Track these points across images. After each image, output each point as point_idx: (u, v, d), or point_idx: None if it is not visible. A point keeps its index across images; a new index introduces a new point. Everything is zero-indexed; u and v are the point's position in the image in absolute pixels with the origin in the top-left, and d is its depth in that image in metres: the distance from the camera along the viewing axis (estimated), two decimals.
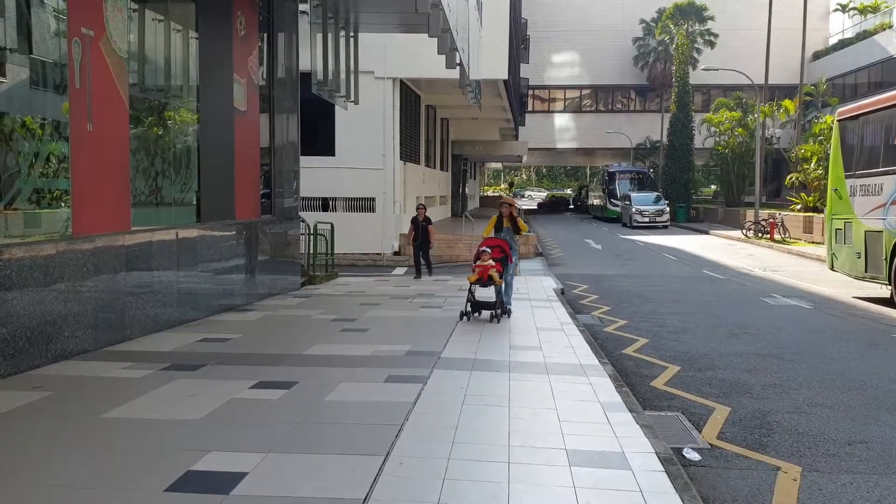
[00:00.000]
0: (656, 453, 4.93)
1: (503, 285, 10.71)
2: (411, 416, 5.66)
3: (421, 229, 16.71)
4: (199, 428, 5.34)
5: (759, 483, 4.94)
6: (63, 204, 7.68)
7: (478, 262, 10.65)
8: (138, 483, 4.29)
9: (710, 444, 5.71)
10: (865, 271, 13.96)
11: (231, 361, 7.65)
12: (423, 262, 17.13)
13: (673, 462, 4.82)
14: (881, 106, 14.01)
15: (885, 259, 13.11)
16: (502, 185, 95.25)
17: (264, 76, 12.90)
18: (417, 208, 17.14)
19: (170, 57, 10.15)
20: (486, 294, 10.85)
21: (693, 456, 5.42)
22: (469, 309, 10.52)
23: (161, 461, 4.62)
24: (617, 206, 44.69)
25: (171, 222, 9.94)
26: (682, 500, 4.18)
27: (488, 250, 10.64)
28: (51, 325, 7.28)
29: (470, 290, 10.56)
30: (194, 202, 10.69)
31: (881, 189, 13.39)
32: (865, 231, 13.87)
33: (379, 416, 5.67)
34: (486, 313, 10.69)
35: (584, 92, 57.20)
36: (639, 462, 4.76)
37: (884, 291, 13.78)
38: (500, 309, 10.53)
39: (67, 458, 4.71)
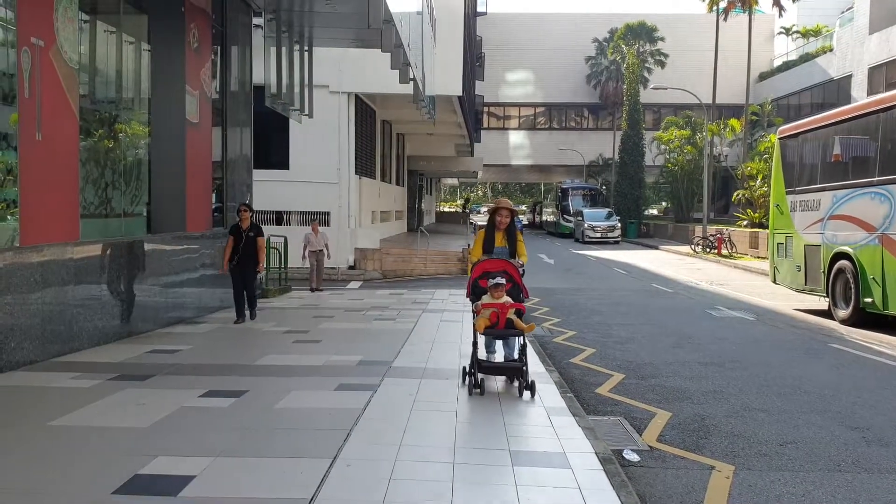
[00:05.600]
0: (596, 453, 5.12)
1: (524, 337, 7.14)
2: (360, 421, 5.77)
3: (245, 242, 11.03)
4: (148, 434, 5.37)
5: (693, 481, 5.15)
6: (10, 216, 7.62)
7: (484, 301, 7.06)
8: (86, 486, 4.32)
9: (650, 447, 5.92)
10: (805, 284, 14.45)
11: (180, 372, 7.66)
12: (246, 295, 11.24)
13: (612, 462, 5.01)
14: (818, 125, 14.58)
15: (823, 272, 13.61)
16: (458, 202, 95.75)
17: (217, 89, 12.92)
18: (239, 211, 11.29)
19: (121, 68, 10.14)
20: (502, 350, 7.50)
21: (632, 457, 5.61)
22: (476, 374, 6.87)
23: (109, 466, 4.65)
24: (570, 221, 45.33)
25: (121, 233, 9.89)
26: (619, 497, 4.36)
27: (502, 280, 7.03)
28: None
29: (475, 342, 7.01)
30: (145, 214, 10.65)
31: (819, 205, 13.92)
32: (805, 245, 14.38)
33: (328, 421, 5.77)
34: (498, 381, 7.31)
35: (538, 110, 58.03)
36: (579, 462, 4.93)
37: (822, 303, 14.27)
38: (526, 374, 6.85)
39: (14, 464, 4.71)
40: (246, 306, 11.30)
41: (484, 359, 7.18)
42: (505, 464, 4.85)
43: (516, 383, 6.98)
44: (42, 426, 5.52)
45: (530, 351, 8.90)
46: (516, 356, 7.13)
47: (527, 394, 6.76)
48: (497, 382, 7.24)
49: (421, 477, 4.57)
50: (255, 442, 5.24)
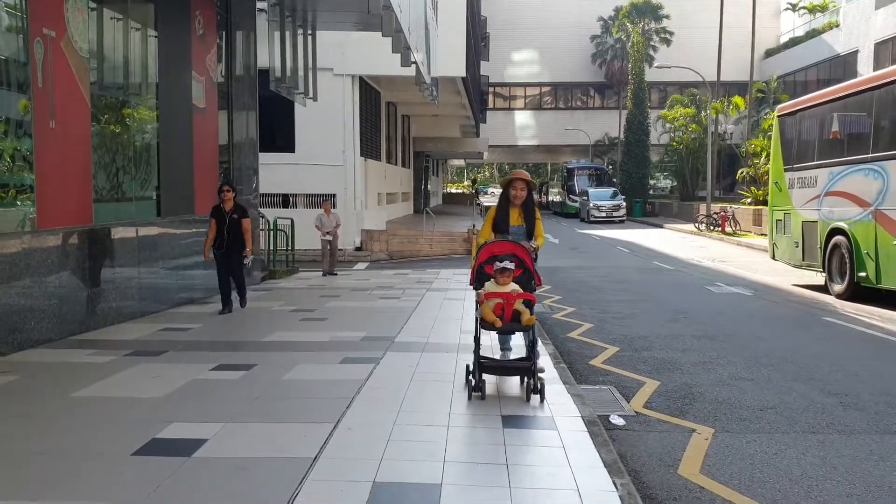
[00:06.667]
0: (582, 417, 5.45)
1: (532, 329, 6.01)
2: (363, 390, 6.12)
3: (229, 225, 10.33)
4: (163, 403, 5.73)
5: (674, 442, 5.48)
6: (27, 201, 7.95)
7: (488, 289, 6.06)
8: (107, 449, 4.69)
9: (636, 412, 6.25)
10: (803, 259, 14.71)
11: (192, 348, 8.02)
12: (234, 283, 10.59)
13: (596, 424, 5.35)
14: (816, 102, 14.76)
15: (820, 248, 13.86)
16: (465, 182, 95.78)
17: (223, 74, 13.20)
18: (221, 190, 10.49)
19: (129, 56, 10.43)
20: (508, 344, 7.05)
21: (618, 421, 5.95)
22: (478, 374, 5.91)
23: (127, 431, 5.01)
24: (575, 201, 45.53)
25: (133, 217, 10.23)
26: (600, 455, 4.68)
27: (510, 265, 6.01)
28: (16, 314, 7.57)
29: (477, 338, 6.08)
30: (154, 198, 10.98)
31: (816, 181, 14.14)
32: (803, 221, 14.62)
33: (332, 391, 6.12)
34: (508, 382, 6.38)
35: (544, 89, 58.03)
36: (565, 424, 5.27)
37: (819, 278, 14.53)
38: (535, 375, 5.84)
39: (41, 430, 5.09)
40: (235, 294, 10.68)
41: (488, 357, 6.23)
42: (496, 426, 5.19)
43: (524, 383, 6.07)
44: (65, 397, 5.89)
45: None
46: (521, 354, 6.29)
47: (535, 398, 5.76)
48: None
49: (417, 438, 4.92)
50: (263, 409, 5.60)
